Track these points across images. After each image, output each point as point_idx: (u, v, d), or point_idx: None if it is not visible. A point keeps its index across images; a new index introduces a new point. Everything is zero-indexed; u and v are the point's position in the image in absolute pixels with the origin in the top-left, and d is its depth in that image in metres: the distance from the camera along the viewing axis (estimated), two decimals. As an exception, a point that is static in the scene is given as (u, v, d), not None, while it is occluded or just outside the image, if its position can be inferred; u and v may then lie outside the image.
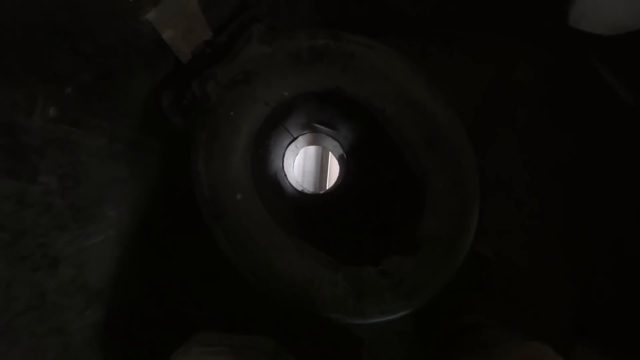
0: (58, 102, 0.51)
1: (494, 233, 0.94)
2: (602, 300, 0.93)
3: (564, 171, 0.96)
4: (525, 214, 0.97)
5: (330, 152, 1.30)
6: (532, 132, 0.97)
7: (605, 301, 0.93)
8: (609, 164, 0.93)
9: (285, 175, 0.96)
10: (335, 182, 1.10)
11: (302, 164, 1.52)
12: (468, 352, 0.65)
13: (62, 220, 0.56)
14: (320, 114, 0.83)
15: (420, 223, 0.62)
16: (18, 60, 0.43)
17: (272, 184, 0.86)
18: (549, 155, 0.96)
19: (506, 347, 0.60)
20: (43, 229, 0.52)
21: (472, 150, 0.62)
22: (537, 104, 0.98)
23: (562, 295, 0.94)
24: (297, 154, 1.09)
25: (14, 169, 0.46)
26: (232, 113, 0.62)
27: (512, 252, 0.95)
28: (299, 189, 0.99)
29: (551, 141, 0.96)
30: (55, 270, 0.55)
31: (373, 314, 0.62)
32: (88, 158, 0.61)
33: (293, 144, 0.96)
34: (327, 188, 1.37)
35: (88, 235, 0.62)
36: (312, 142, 1.06)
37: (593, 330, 0.91)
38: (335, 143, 0.97)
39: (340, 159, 1.05)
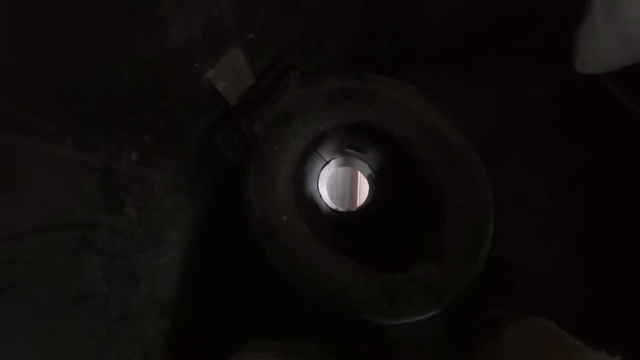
0: (138, 148, 0.62)
1: (515, 240, 1.01)
2: (618, 302, 0.98)
3: (577, 181, 1.02)
4: (543, 221, 1.03)
5: (360, 173, 1.39)
6: (546, 145, 1.04)
7: (621, 304, 0.98)
8: (620, 172, 0.99)
9: (321, 195, 1.06)
10: (366, 200, 1.19)
11: (336, 185, 1.62)
12: (488, 338, 0.73)
13: (140, 244, 0.67)
14: (350, 140, 0.93)
15: (443, 234, 0.71)
16: (114, 119, 0.55)
17: (310, 204, 0.96)
18: (563, 166, 1.03)
19: (515, 322, 0.69)
20: (128, 251, 0.63)
21: (484, 168, 0.70)
22: (549, 118, 1.05)
23: (580, 297, 1.00)
24: (329, 176, 1.19)
25: (109, 204, 0.58)
26: (276, 147, 0.72)
27: (532, 258, 1.01)
28: (333, 207, 1.09)
29: (564, 153, 1.03)
30: (137, 286, 0.66)
31: (405, 315, 0.70)
32: (157, 191, 0.72)
33: (326, 167, 1.06)
34: (358, 205, 1.46)
35: (158, 256, 0.73)
36: (343, 164, 1.16)
37: (608, 332, 0.95)
38: (365, 164, 1.06)
39: (369, 178, 1.15)
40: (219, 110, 0.77)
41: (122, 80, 0.50)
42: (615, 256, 0.99)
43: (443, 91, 1.03)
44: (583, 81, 0.97)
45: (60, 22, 0.39)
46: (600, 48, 0.71)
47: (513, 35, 0.96)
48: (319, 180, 1.05)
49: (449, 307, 0.72)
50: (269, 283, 0.90)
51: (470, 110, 1.00)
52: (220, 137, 0.76)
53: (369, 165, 1.04)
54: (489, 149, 1.00)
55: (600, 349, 0.56)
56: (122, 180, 0.60)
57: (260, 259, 0.74)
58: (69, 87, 0.46)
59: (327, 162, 1.04)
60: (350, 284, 0.70)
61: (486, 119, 1.05)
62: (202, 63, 0.60)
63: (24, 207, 0.43)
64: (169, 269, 0.78)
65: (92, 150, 0.52)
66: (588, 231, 1.01)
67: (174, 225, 0.79)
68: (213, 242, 0.96)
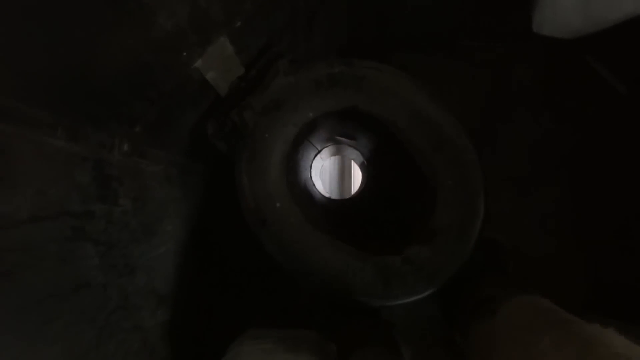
0: (130, 139, 0.63)
1: (507, 223, 1.02)
2: (611, 279, 1.00)
3: (568, 161, 1.04)
4: (534, 202, 1.05)
5: (352, 162, 1.40)
6: (535, 127, 1.06)
7: (614, 280, 1.00)
8: (608, 150, 1.00)
9: (314, 184, 1.07)
10: (359, 187, 1.20)
11: (330, 174, 1.63)
12: (483, 318, 0.74)
13: (135, 235, 0.67)
14: (340, 128, 0.93)
15: (434, 215, 0.72)
16: (104, 109, 0.55)
17: (304, 192, 0.97)
18: (552, 147, 1.04)
19: (510, 300, 0.70)
20: (124, 242, 0.63)
21: (473, 149, 0.72)
22: (537, 100, 1.06)
23: (575, 277, 1.01)
24: (322, 165, 1.20)
25: (103, 195, 0.58)
26: (266, 135, 0.73)
27: (525, 240, 1.03)
28: (327, 195, 1.10)
29: (553, 134, 1.04)
30: (134, 276, 0.66)
31: (400, 296, 0.71)
32: (151, 182, 0.73)
33: (318, 156, 1.07)
34: (352, 193, 1.47)
35: (154, 247, 0.74)
36: (335, 153, 1.17)
37: (603, 308, 0.97)
38: (356, 152, 1.07)
39: (361, 166, 1.16)
40: (209, 101, 0.77)
41: (111, 70, 0.51)
42: (607, 235, 1.01)
43: (431, 77, 1.05)
44: (569, 62, 0.98)
45: (48, 13, 0.40)
46: (558, 8, 0.72)
47: (495, 18, 0.97)
48: (312, 169, 1.06)
49: (443, 288, 0.73)
50: (266, 272, 0.91)
51: (459, 95, 1.01)
52: (212, 127, 0.77)
53: (361, 153, 1.05)
54: (479, 133, 1.01)
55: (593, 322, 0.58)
56: (115, 171, 0.61)
57: (256, 248, 0.75)
58: (58, 77, 0.46)
59: (320, 151, 1.05)
60: (345, 268, 0.71)
61: (475, 103, 1.06)
62: (190, 52, 0.60)
63: (18, 197, 0.43)
64: (165, 260, 0.78)
65: (84, 140, 0.53)
66: (580, 211, 1.03)
67: (168, 216, 0.79)
68: (209, 233, 0.96)
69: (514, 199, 1.04)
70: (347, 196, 1.48)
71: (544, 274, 1.01)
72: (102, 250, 0.58)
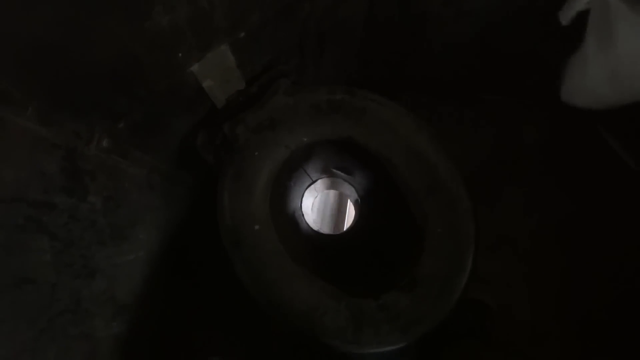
0: (111, 135, 0.60)
1: (497, 284, 0.98)
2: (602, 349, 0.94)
3: (565, 229, 1.00)
4: (528, 266, 1.00)
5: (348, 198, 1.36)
6: (537, 190, 1.02)
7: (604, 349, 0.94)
8: (610, 224, 0.97)
9: (303, 214, 1.03)
10: (351, 225, 1.16)
11: (324, 208, 1.59)
12: None
13: (102, 236, 0.64)
14: (337, 160, 0.90)
15: (419, 263, 0.68)
16: (86, 98, 0.52)
17: (289, 221, 0.93)
18: (551, 212, 1.01)
19: None
20: (86, 242, 0.60)
21: (469, 199, 0.68)
22: (542, 163, 1.03)
23: (565, 347, 0.96)
24: (315, 197, 1.16)
25: (70, 187, 0.55)
26: (256, 153, 0.70)
27: (515, 303, 0.98)
28: (315, 228, 1.06)
29: (554, 199, 1.01)
30: (92, 280, 0.62)
31: (370, 344, 0.66)
32: (129, 185, 0.69)
33: (312, 187, 1.04)
34: (344, 229, 1.43)
35: (121, 253, 0.70)
36: (330, 187, 1.13)
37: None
38: (351, 188, 1.03)
39: (355, 204, 1.12)
40: (204, 110, 0.75)
41: (96, 57, 0.48)
42: (601, 309, 0.96)
43: (437, 123, 1.03)
44: (580, 129, 0.96)
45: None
46: (589, 79, 0.70)
47: (511, 75, 0.96)
48: (303, 199, 1.03)
49: (420, 344, 0.68)
50: (241, 299, 0.86)
51: (463, 143, 0.99)
52: (202, 137, 0.74)
53: (356, 190, 1.02)
54: (478, 188, 0.98)
55: None
56: (89, 165, 0.58)
57: (231, 269, 0.71)
58: (37, 53, 0.43)
59: (313, 182, 1.02)
60: (316, 304, 0.67)
61: (478, 154, 1.03)
62: (186, 54, 0.58)
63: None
64: (131, 268, 0.74)
65: (57, 126, 0.50)
66: (573, 280, 0.98)
67: (143, 224, 0.76)
68: (186, 249, 0.92)
69: (506, 259, 1.00)
70: (337, 232, 1.43)
71: (532, 340, 0.95)
72: (59, 247, 0.54)
